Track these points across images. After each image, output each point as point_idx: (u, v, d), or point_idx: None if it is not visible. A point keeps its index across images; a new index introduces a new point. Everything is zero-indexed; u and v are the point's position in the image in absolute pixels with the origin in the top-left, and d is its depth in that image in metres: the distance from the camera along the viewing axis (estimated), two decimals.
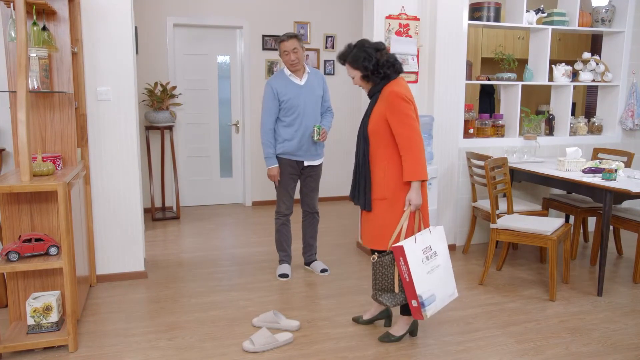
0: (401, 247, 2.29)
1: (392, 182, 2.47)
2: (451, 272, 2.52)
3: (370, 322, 2.88)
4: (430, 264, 2.39)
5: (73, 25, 3.12)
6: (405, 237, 2.42)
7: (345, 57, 2.53)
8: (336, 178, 6.21)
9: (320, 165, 3.62)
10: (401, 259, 2.30)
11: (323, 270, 3.68)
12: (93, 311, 3.04)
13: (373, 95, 2.54)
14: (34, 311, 2.56)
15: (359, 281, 3.54)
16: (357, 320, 2.90)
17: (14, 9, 2.55)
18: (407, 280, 2.32)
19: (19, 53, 2.39)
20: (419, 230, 2.50)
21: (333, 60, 6.02)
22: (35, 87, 2.68)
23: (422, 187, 2.47)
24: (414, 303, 2.33)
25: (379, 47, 2.48)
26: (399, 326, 2.70)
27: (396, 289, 2.42)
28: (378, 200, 2.51)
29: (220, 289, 3.40)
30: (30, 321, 2.57)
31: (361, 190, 2.57)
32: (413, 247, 2.33)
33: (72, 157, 3.01)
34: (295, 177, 3.55)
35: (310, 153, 3.51)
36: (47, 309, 2.58)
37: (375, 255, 2.43)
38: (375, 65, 2.45)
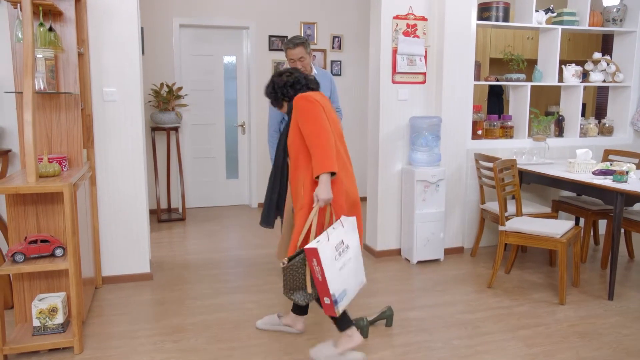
0: (315, 250, 2.15)
1: (309, 189, 2.39)
2: (361, 261, 2.40)
3: (371, 323, 2.82)
4: (342, 259, 2.27)
5: (79, 26, 3.12)
6: (316, 234, 2.33)
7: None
8: None
9: None
10: (314, 260, 2.17)
11: None
12: (98, 313, 3.04)
13: (290, 113, 2.58)
14: (40, 313, 2.56)
15: (367, 283, 3.51)
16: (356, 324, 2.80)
17: (20, 10, 2.55)
18: (320, 279, 2.19)
19: (25, 54, 2.40)
20: (330, 224, 2.39)
21: (340, 61, 6.00)
22: (42, 87, 2.69)
23: (334, 182, 2.37)
24: (326, 300, 2.22)
25: (281, 72, 2.59)
26: (341, 343, 2.50)
27: (308, 289, 2.30)
28: (297, 210, 2.43)
29: (226, 291, 3.38)
30: (36, 323, 2.56)
31: (271, 207, 2.63)
32: (326, 247, 2.20)
33: (78, 158, 3.01)
34: None
35: None
36: (53, 310, 2.58)
37: (285, 261, 2.31)
38: (272, 89, 2.57)
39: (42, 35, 2.68)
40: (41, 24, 2.67)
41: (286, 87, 2.54)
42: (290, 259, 2.31)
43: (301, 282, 2.33)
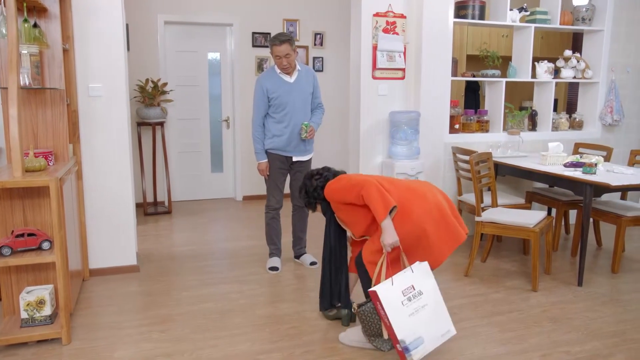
0: (375, 292, 2.19)
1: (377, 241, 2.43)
2: (444, 309, 2.29)
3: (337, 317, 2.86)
4: (413, 305, 2.22)
5: (64, 22, 3.13)
6: (386, 278, 2.31)
7: None
8: None
9: (309, 161, 3.68)
10: (378, 303, 2.20)
11: (312, 263, 3.74)
12: (86, 304, 3.07)
13: (326, 211, 2.65)
14: (27, 305, 2.58)
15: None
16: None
17: (4, 6, 2.56)
18: (388, 324, 2.20)
19: (10, 50, 2.40)
20: (404, 268, 2.39)
21: (322, 57, 6.08)
22: (27, 83, 2.70)
23: (397, 221, 2.34)
24: (398, 347, 2.20)
25: (312, 174, 2.65)
26: (355, 334, 2.60)
27: (384, 335, 2.31)
28: (375, 253, 2.44)
29: (212, 282, 3.44)
30: (24, 315, 2.58)
31: (343, 290, 2.68)
32: (389, 290, 2.20)
33: (64, 153, 3.04)
34: (285, 171, 3.61)
35: (299, 149, 3.57)
36: (41, 302, 2.60)
37: (355, 305, 2.39)
38: (306, 194, 2.65)
39: (27, 31, 2.68)
40: (25, 20, 2.68)
41: (317, 191, 2.58)
42: (360, 305, 2.36)
43: (378, 328, 2.34)
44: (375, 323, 2.34)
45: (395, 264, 2.40)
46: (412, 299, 2.23)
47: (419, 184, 2.49)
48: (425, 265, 2.32)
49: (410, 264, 2.36)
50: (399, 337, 2.17)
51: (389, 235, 2.30)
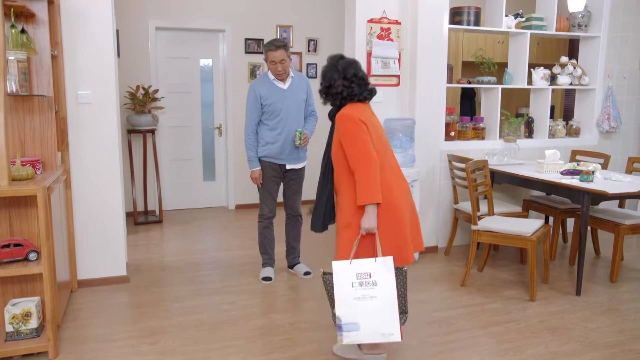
0: (332, 265, 2.27)
1: (356, 208, 2.34)
2: (394, 311, 2.26)
3: None
4: (362, 291, 2.26)
5: (53, 28, 3.09)
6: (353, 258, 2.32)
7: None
8: None
9: (303, 169, 3.64)
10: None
11: (306, 273, 3.69)
12: (74, 317, 3.01)
13: (332, 118, 2.48)
14: (13, 318, 2.53)
15: None
16: None
17: None
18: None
19: None
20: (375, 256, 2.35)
21: (315, 64, 6.05)
22: (14, 90, 2.66)
23: (381, 211, 2.30)
24: (337, 322, 2.27)
25: (346, 75, 2.38)
26: (367, 346, 2.53)
27: (334, 308, 2.34)
28: (344, 229, 2.37)
29: (203, 293, 3.39)
30: (9, 328, 2.53)
31: (319, 214, 2.50)
32: (344, 268, 2.26)
33: (52, 161, 2.98)
34: (278, 180, 3.56)
35: (293, 157, 3.53)
36: (27, 315, 2.55)
37: (321, 270, 2.41)
38: (327, 88, 2.45)
39: (14, 37, 2.65)
40: (13, 26, 2.64)
41: (335, 96, 2.40)
42: (325, 273, 2.37)
43: (333, 300, 2.35)
44: (332, 295, 2.36)
45: (367, 249, 2.35)
46: (364, 285, 2.28)
47: (395, 185, 2.37)
48: (390, 260, 2.31)
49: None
50: (337, 313, 2.26)
51: (368, 220, 2.27)
